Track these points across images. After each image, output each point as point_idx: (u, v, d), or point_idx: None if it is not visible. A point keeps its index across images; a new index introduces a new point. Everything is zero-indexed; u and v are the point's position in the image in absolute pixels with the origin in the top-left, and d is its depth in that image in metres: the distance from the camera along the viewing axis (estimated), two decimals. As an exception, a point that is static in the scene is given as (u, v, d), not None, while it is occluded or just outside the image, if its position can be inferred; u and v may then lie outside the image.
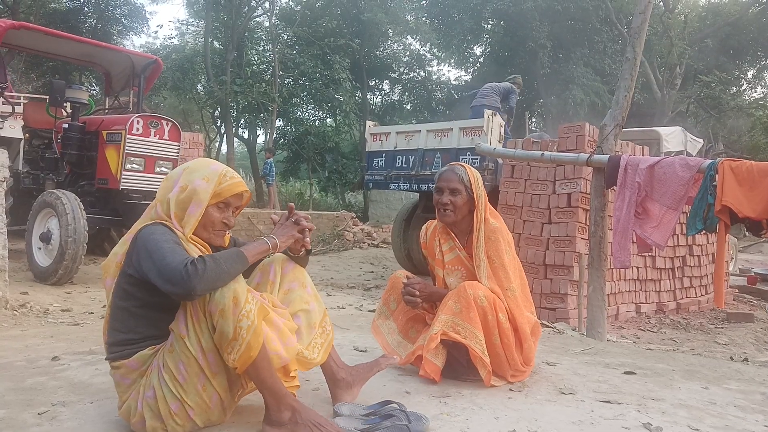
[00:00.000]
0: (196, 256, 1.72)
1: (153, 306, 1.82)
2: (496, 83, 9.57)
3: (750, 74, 24.09)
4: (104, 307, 4.59)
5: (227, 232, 2.03)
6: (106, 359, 1.90)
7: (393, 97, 25.14)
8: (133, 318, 1.83)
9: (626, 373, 2.85)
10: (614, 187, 4.15)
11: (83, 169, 6.43)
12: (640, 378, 2.78)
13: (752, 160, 3.86)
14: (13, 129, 6.94)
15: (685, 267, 7.51)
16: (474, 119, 8.18)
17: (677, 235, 7.14)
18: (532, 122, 21.19)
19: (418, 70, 24.31)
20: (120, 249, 1.89)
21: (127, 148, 5.95)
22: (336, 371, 2.18)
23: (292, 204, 2.19)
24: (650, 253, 6.66)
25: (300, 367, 1.95)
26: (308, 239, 2.07)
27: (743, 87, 24.13)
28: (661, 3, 20.20)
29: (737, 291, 8.81)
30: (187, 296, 1.68)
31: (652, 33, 17.37)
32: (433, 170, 7.94)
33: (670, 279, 7.29)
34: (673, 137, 9.74)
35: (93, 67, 8.24)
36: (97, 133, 6.29)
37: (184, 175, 1.92)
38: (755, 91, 24.79)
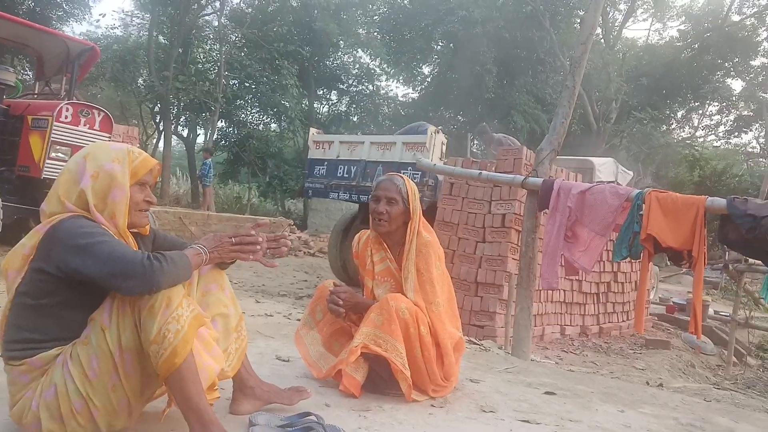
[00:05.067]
0: (145, 252, 1.67)
1: (71, 305, 1.70)
2: None
3: (679, 114, 25.48)
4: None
5: (148, 216, 1.95)
6: (2, 356, 1.75)
7: (340, 108, 25.11)
8: (43, 317, 1.69)
9: (547, 393, 2.88)
10: (546, 210, 4.23)
11: (3, 154, 6.02)
12: (560, 398, 2.81)
13: (677, 193, 4.03)
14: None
15: (609, 293, 7.77)
16: (417, 135, 8.22)
17: (603, 262, 7.39)
18: (474, 144, 21.62)
19: (366, 84, 24.41)
20: (29, 242, 1.74)
21: (53, 135, 5.62)
22: (246, 378, 2.10)
23: (266, 221, 2.11)
24: (577, 277, 6.85)
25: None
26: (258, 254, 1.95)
27: (673, 126, 25.49)
28: (602, 39, 21.13)
29: (656, 319, 9.18)
30: (148, 290, 1.62)
31: (591, 67, 18.10)
32: (374, 182, 7.91)
33: (594, 303, 7.52)
34: (605, 167, 10.13)
35: (24, 49, 7.80)
36: (22, 118, 5.93)
37: (89, 162, 1.79)
38: (683, 131, 26.28)
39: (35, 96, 7.09)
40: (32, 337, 1.70)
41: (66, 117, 5.72)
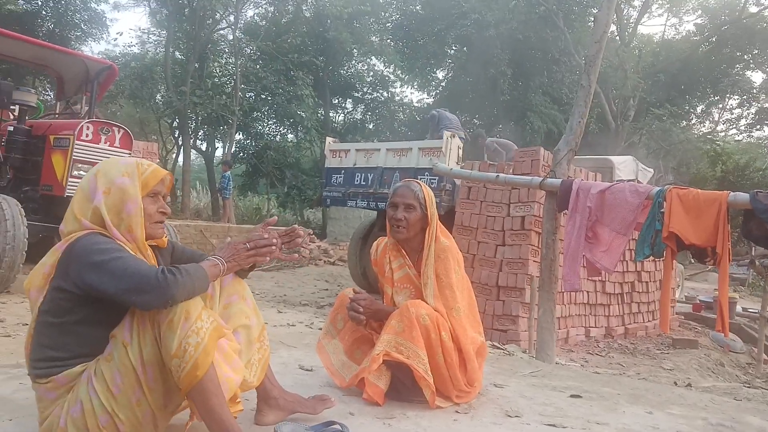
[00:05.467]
0: (161, 266, 1.67)
1: (91, 322, 1.71)
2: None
3: (699, 109, 25.12)
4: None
5: (165, 228, 1.95)
6: (29, 374, 1.78)
7: (356, 116, 25.19)
8: (65, 335, 1.71)
9: (572, 396, 2.84)
10: (566, 210, 4.20)
11: (27, 174, 6.14)
12: (586, 401, 2.78)
13: (699, 190, 3.97)
14: (-46, 130, 6.62)
15: (633, 293, 7.67)
16: (433, 140, 8.23)
17: (626, 261, 7.29)
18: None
19: (381, 91, 24.45)
20: (49, 260, 1.77)
21: (74, 154, 5.71)
22: (270, 389, 2.10)
23: (275, 218, 2.10)
24: (600, 278, 6.77)
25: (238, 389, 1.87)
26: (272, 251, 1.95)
27: (692, 121, 25.13)
28: (617, 37, 20.94)
29: (683, 318, 9.03)
30: (163, 304, 1.62)
31: (607, 65, 17.94)
32: (390, 189, 7.92)
33: (618, 304, 7.42)
34: (625, 166, 10.01)
35: (45, 70, 7.96)
36: (44, 138, 6.03)
37: (100, 179, 1.81)
38: (703, 126, 25.89)
39: (56, 116, 7.22)
40: (56, 355, 1.72)
41: (87, 135, 5.80)
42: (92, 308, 1.70)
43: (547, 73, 20.68)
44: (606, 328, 7.18)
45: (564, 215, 4.39)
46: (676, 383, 4.71)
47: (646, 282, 7.90)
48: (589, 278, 6.28)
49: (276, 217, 2.10)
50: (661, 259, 3.86)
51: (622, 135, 20.39)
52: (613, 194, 3.96)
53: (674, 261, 3.90)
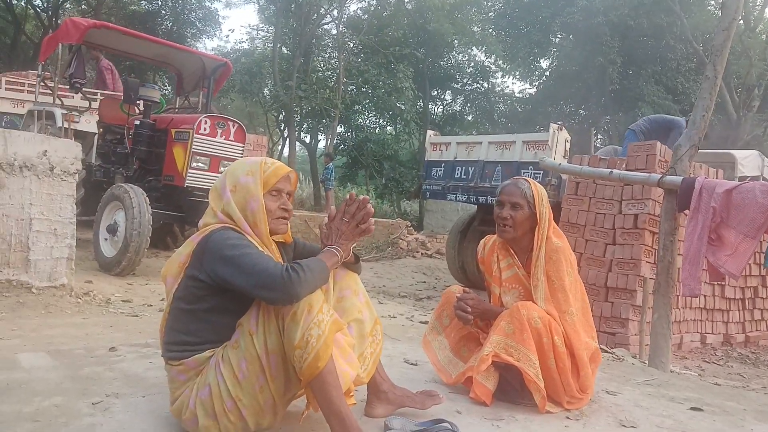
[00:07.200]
0: (285, 263, 1.75)
1: (221, 310, 1.82)
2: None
3: (836, 98, 22.70)
4: (162, 300, 4.72)
5: (288, 222, 2.02)
6: (162, 356, 1.92)
7: (455, 108, 25.02)
8: (197, 321, 1.83)
9: (692, 409, 2.67)
10: (686, 210, 3.94)
11: (151, 165, 6.61)
12: (708, 416, 2.60)
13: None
14: (89, 123, 7.26)
15: (756, 298, 7.11)
16: (538, 133, 8.00)
17: (750, 264, 6.75)
18: (598, 139, 20.66)
19: (481, 82, 24.11)
20: (185, 250, 1.89)
21: (193, 146, 6.08)
22: (380, 382, 2.14)
23: (353, 193, 2.09)
24: (720, 282, 6.32)
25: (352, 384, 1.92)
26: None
27: (828, 112, 22.75)
28: (742, 21, 19.29)
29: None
30: (288, 301, 1.69)
31: (730, 52, 16.48)
32: (493, 183, 7.80)
33: (739, 310, 6.90)
34: (749, 161, 9.23)
35: (166, 67, 8.52)
36: (166, 131, 6.47)
37: (228, 178, 1.94)
38: (841, 117, 23.34)
39: (176, 110, 7.71)
40: (187, 339, 1.84)
41: (204, 129, 6.15)
42: (222, 298, 1.80)
43: (661, 61, 19.47)
44: (724, 335, 6.70)
45: (684, 215, 4.12)
46: (808, 401, 4.31)
47: (772, 288, 7.29)
48: (709, 282, 5.88)
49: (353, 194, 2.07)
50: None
51: (745, 127, 18.82)
52: (741, 194, 3.67)
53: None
